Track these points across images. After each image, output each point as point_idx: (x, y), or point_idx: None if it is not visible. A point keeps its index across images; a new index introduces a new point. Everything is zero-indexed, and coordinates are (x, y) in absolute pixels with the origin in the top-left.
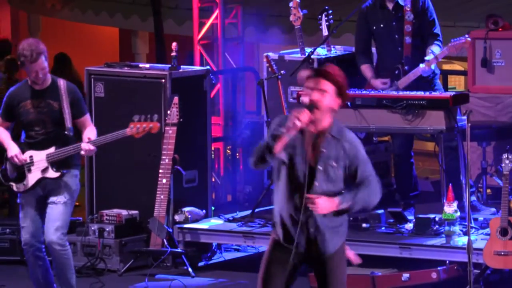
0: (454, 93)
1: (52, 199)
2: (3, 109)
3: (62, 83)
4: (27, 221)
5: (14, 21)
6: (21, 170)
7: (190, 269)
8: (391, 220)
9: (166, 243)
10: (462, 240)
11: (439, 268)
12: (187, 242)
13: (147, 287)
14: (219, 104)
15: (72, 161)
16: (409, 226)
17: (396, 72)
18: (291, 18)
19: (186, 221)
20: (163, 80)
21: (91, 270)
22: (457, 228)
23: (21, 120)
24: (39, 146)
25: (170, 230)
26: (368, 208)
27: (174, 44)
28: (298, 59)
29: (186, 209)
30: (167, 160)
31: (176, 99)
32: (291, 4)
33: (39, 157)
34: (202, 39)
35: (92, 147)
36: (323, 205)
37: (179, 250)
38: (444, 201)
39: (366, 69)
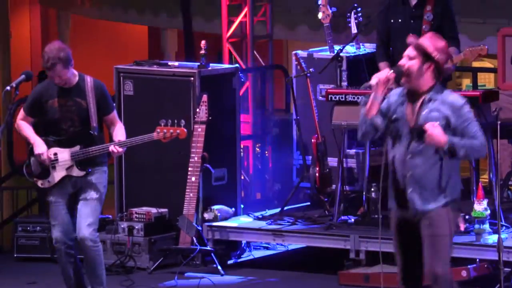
0: (484, 90)
1: (83, 195)
2: (29, 105)
3: (89, 80)
4: (58, 219)
5: (43, 19)
6: (45, 167)
7: (219, 267)
8: None
9: (195, 241)
10: (492, 238)
11: (469, 266)
12: (216, 240)
13: (176, 285)
14: (248, 102)
15: (98, 159)
16: None
17: None
18: (320, 15)
19: (215, 219)
20: (192, 78)
21: (120, 268)
22: (487, 226)
23: (48, 118)
24: (64, 144)
25: (199, 228)
26: (470, 157)
27: (203, 42)
28: (327, 57)
29: (215, 207)
30: (196, 158)
31: (205, 97)
32: (320, 2)
33: (64, 155)
34: (231, 37)
35: (120, 149)
36: (435, 131)
37: (208, 248)
38: (474, 199)
39: (382, 67)
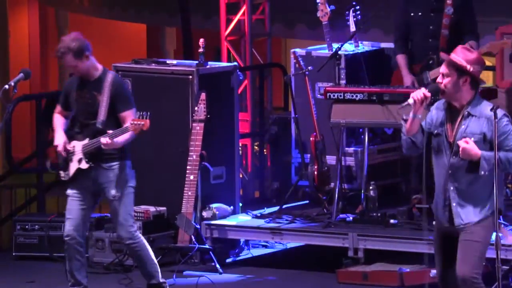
0: (482, 88)
1: (107, 195)
2: (61, 97)
3: (110, 76)
4: (72, 213)
5: (42, 17)
6: (67, 159)
7: (217, 266)
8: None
9: (193, 239)
10: None
11: None
12: (214, 239)
13: (174, 283)
14: (247, 100)
15: (112, 154)
16: None
17: (430, 62)
18: (319, 14)
19: (214, 217)
20: (191, 77)
21: (119, 267)
22: None
23: (72, 110)
24: (80, 136)
25: (198, 226)
26: (508, 171)
27: (201, 40)
28: (326, 55)
29: (214, 205)
30: (194, 157)
31: (203, 95)
32: (318, 0)
33: (78, 148)
34: (229, 35)
35: (108, 141)
36: (469, 146)
37: (206, 246)
38: None
39: (401, 60)
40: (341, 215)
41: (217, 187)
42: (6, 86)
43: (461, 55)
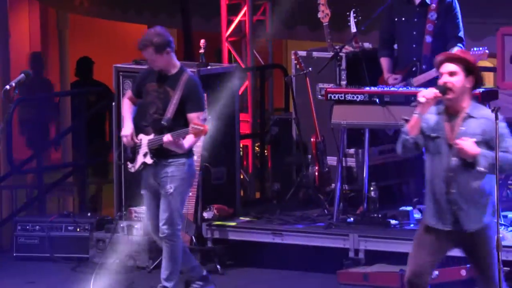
0: (483, 89)
1: (161, 190)
2: (135, 85)
3: (185, 75)
4: (148, 211)
5: (42, 18)
6: (134, 151)
7: (218, 266)
8: (421, 217)
9: (194, 240)
10: None
11: (468, 266)
12: (215, 239)
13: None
14: (247, 101)
15: (173, 151)
16: None
17: (413, 69)
18: (319, 15)
19: (215, 218)
20: None
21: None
22: None
23: (142, 101)
24: (148, 130)
25: (199, 227)
26: (507, 172)
27: (202, 41)
28: (326, 56)
29: (215, 206)
30: (195, 157)
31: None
32: (319, 1)
33: (144, 141)
34: (230, 36)
35: (170, 138)
36: (467, 144)
37: (207, 247)
38: None
39: (383, 62)
40: (342, 216)
41: (218, 188)
42: (7, 87)
43: (466, 55)
